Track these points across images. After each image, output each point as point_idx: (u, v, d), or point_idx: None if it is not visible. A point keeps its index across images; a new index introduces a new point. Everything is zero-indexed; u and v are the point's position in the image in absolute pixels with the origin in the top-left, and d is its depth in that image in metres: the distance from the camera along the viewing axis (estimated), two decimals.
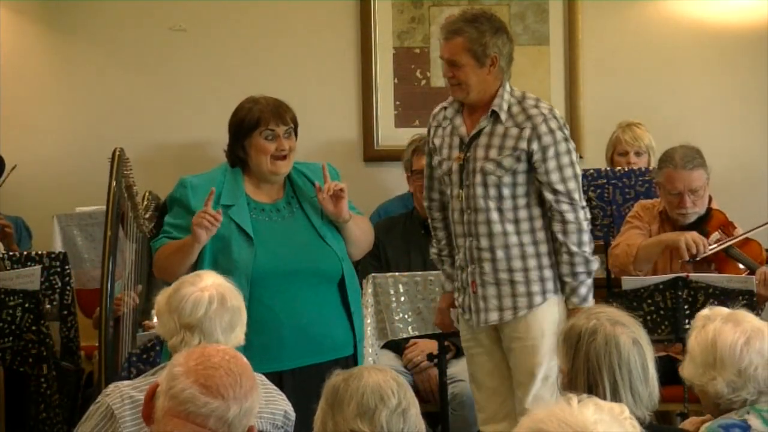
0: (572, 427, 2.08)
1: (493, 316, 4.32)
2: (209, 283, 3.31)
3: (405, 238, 5.50)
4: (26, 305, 4.84)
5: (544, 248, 4.33)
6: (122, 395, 3.14)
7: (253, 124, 4.22)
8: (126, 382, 3.25)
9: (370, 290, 4.82)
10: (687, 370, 3.14)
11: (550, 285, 4.34)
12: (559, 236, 4.31)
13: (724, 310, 3.20)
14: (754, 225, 5.34)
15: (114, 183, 4.61)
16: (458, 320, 4.49)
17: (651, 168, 5.73)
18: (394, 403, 2.65)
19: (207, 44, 6.48)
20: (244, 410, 2.52)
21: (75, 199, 5.98)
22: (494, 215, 4.29)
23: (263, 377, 3.43)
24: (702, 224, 5.29)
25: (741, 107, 6.42)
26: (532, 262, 4.31)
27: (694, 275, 4.93)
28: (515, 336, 4.33)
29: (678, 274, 4.95)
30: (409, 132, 6.29)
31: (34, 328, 4.84)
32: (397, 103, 6.50)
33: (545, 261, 4.33)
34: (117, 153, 4.63)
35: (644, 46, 6.39)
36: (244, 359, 2.62)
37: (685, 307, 4.89)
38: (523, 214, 4.32)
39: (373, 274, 4.89)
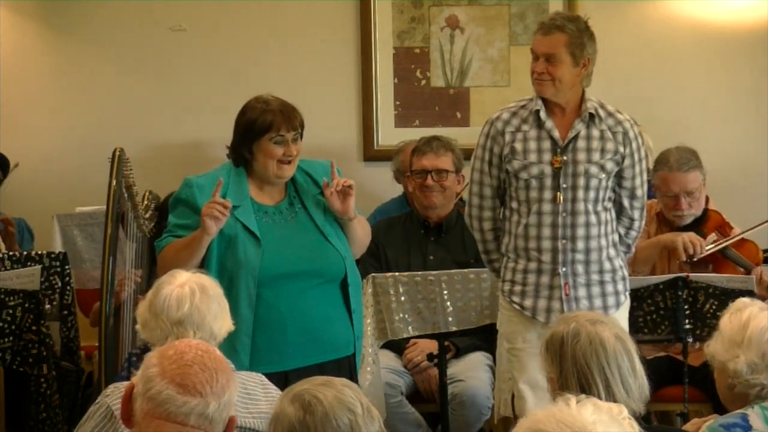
0: (571, 428, 2.08)
1: None
2: (185, 278, 3.32)
3: (405, 238, 5.50)
4: (26, 305, 4.84)
5: (618, 249, 4.47)
6: (122, 396, 3.13)
7: (265, 128, 4.18)
8: (125, 383, 3.24)
9: (370, 290, 4.82)
10: (712, 346, 3.18)
11: (627, 284, 4.49)
12: (624, 238, 4.50)
13: (761, 303, 3.25)
14: (753, 225, 5.34)
15: (114, 183, 4.60)
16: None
17: (649, 169, 5.73)
18: (360, 408, 2.62)
19: (207, 44, 6.49)
20: (223, 404, 2.52)
21: (75, 199, 5.98)
22: (593, 218, 4.38)
23: (263, 377, 3.43)
24: (699, 225, 5.29)
25: (741, 107, 6.42)
26: (616, 263, 4.45)
27: (694, 275, 4.94)
28: None
29: (678, 274, 4.96)
30: (409, 132, 6.30)
31: (34, 328, 4.84)
32: (397, 103, 6.50)
33: (621, 261, 4.49)
34: (117, 153, 4.63)
35: (644, 46, 6.39)
36: (218, 352, 2.62)
37: (685, 307, 4.89)
38: (605, 216, 4.42)
39: (373, 274, 4.88)
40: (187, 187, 4.20)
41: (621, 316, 4.44)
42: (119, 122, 6.45)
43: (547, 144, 4.36)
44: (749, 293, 4.85)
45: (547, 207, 4.35)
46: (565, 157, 4.35)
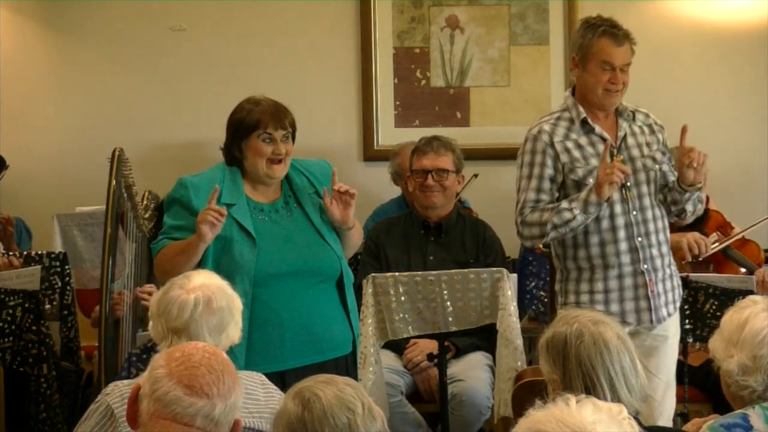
0: (571, 428, 2.08)
1: (664, 312, 4.39)
2: (197, 284, 3.29)
3: (404, 238, 5.50)
4: (26, 305, 4.84)
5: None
6: (122, 394, 3.13)
7: (252, 126, 4.20)
8: (125, 381, 3.24)
9: (370, 290, 4.81)
10: (714, 342, 3.16)
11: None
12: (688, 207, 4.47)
13: None
14: (753, 223, 5.34)
15: (114, 183, 4.60)
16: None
17: None
18: (360, 407, 2.61)
19: (207, 44, 6.49)
20: (229, 406, 2.53)
21: (75, 199, 5.98)
22: (657, 211, 4.42)
23: (263, 377, 3.43)
24: (700, 225, 5.29)
25: (741, 107, 6.42)
26: (671, 255, 4.47)
27: (694, 275, 4.94)
28: (663, 334, 4.40)
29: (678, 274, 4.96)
30: (409, 132, 6.30)
31: (34, 328, 4.84)
32: (397, 103, 6.50)
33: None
34: (117, 153, 4.63)
35: (644, 46, 6.35)
36: (225, 355, 2.63)
37: (685, 307, 4.89)
38: (662, 209, 4.44)
39: (373, 274, 4.87)
40: (182, 187, 4.20)
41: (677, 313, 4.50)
42: (119, 122, 6.45)
43: (601, 147, 4.35)
44: (749, 293, 4.85)
45: (618, 208, 4.35)
46: (622, 156, 4.36)
